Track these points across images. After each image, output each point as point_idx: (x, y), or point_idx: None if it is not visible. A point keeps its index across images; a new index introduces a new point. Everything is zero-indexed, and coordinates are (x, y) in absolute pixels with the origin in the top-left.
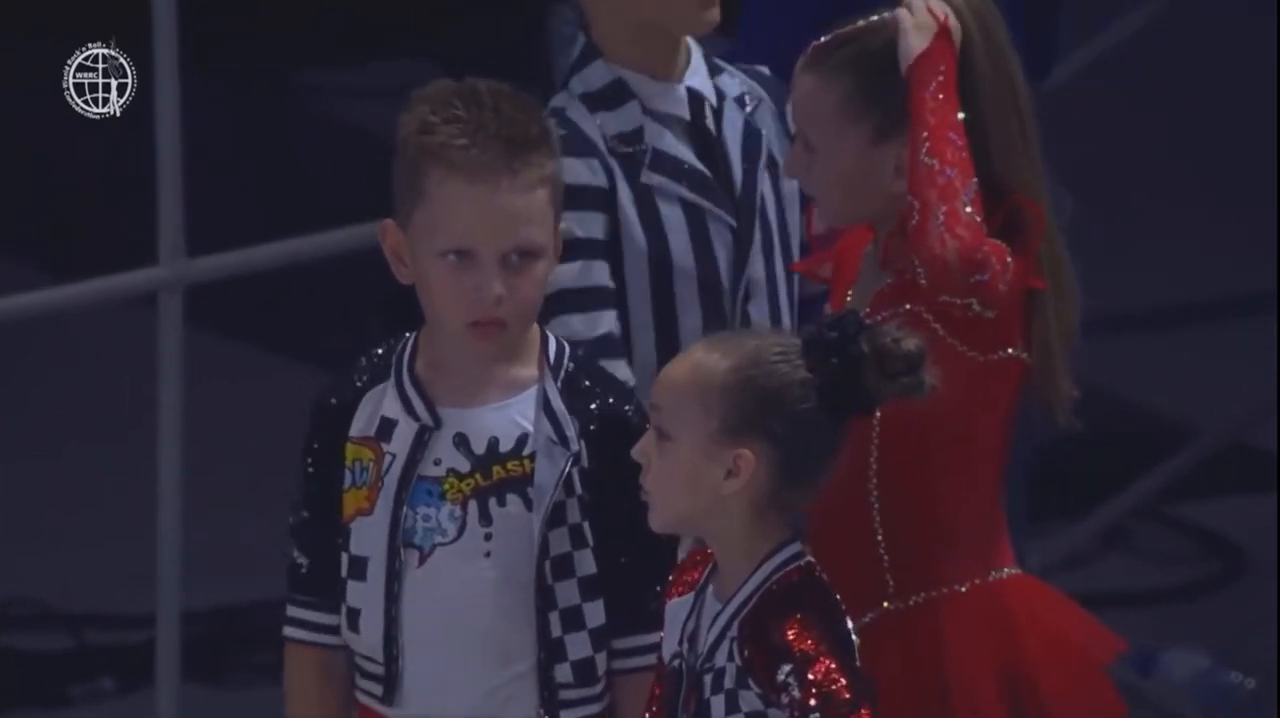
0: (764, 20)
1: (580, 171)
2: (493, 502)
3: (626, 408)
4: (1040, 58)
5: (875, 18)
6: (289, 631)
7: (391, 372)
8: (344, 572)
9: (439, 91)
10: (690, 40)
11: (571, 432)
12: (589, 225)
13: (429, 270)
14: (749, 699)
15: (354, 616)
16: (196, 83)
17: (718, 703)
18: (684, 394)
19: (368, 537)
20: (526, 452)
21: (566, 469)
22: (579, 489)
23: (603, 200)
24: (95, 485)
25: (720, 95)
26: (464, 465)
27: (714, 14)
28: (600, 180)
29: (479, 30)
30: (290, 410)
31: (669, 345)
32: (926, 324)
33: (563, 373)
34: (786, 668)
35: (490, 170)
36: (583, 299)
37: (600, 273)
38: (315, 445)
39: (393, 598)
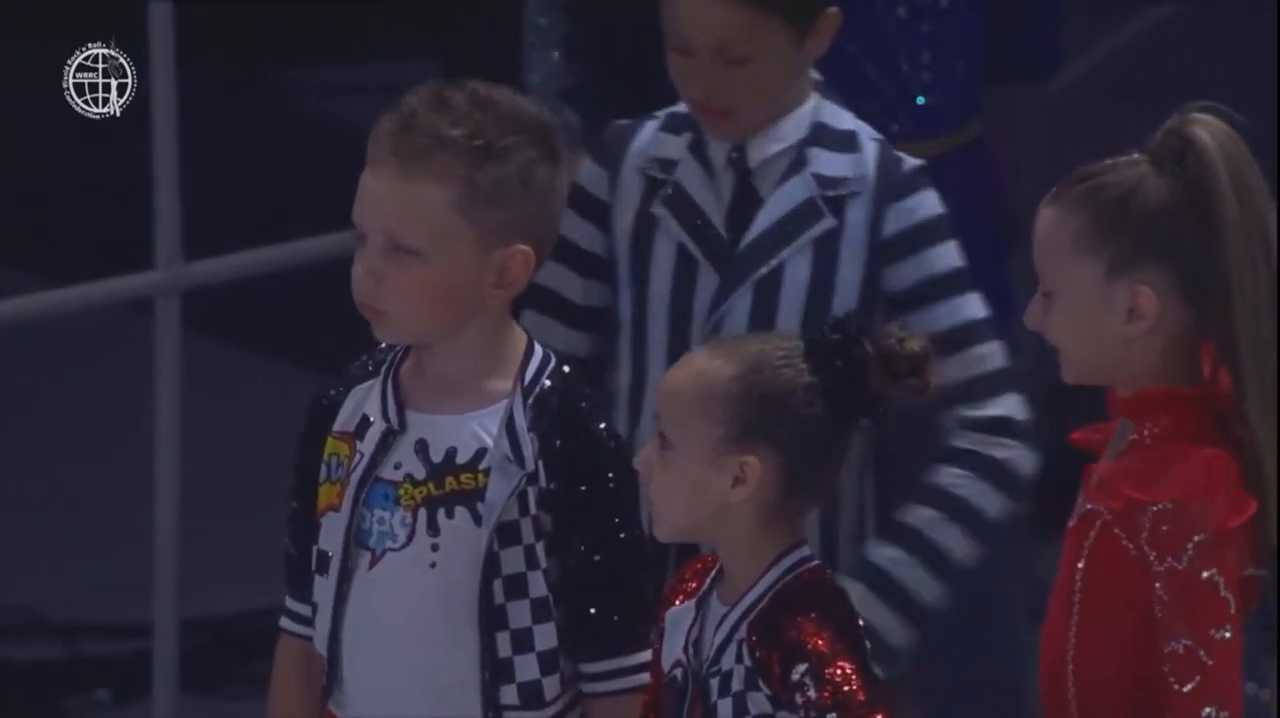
0: None
1: (586, 177)
2: (441, 512)
3: (596, 428)
4: (1045, 58)
5: (1122, 158)
6: (281, 620)
7: (382, 369)
8: (313, 565)
9: (432, 85)
10: (819, 106)
11: (529, 451)
12: (570, 227)
13: None
14: (758, 702)
15: (314, 610)
16: (193, 85)
17: (725, 707)
18: (687, 403)
19: (333, 533)
20: (483, 466)
21: (518, 488)
22: (534, 509)
23: (596, 213)
24: (90, 493)
25: (798, 165)
26: (420, 472)
27: (722, 129)
28: (600, 192)
29: (481, 31)
30: (288, 416)
31: (639, 375)
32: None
33: (536, 389)
34: (802, 668)
35: (387, 157)
36: (538, 298)
37: (557, 278)
38: (305, 436)
39: (342, 597)
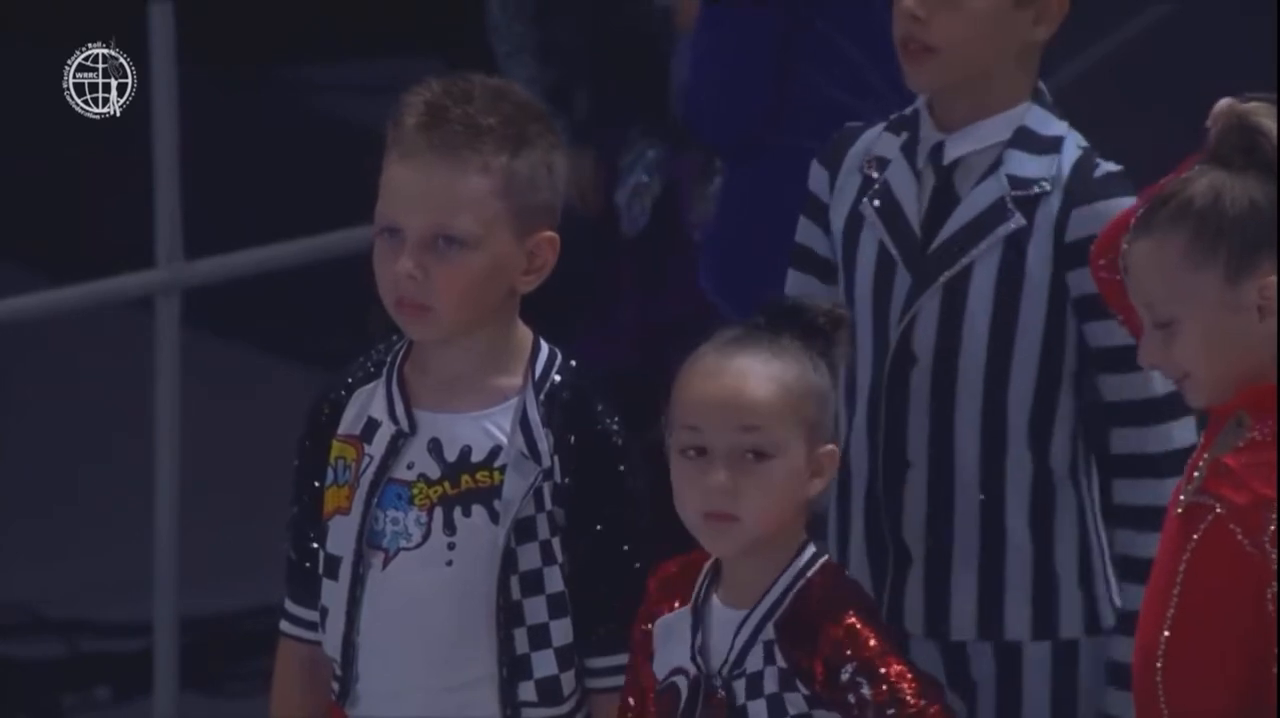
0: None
1: (812, 180)
2: (458, 511)
3: (608, 423)
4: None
5: (1181, 176)
6: (281, 623)
7: (383, 371)
8: (321, 569)
9: (440, 78)
10: (1028, 111)
11: (545, 446)
12: (804, 233)
13: (375, 249)
14: (795, 702)
15: (324, 614)
16: (193, 84)
17: (757, 708)
18: (781, 411)
19: (342, 536)
20: (498, 464)
21: (535, 484)
22: (549, 504)
23: (819, 214)
24: (91, 491)
25: (995, 166)
26: (434, 471)
27: (921, 72)
28: (821, 193)
29: (481, 31)
30: (288, 415)
31: (849, 372)
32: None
33: (547, 385)
34: (850, 668)
35: (424, 150)
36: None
37: (793, 282)
38: (306, 441)
39: (355, 601)
